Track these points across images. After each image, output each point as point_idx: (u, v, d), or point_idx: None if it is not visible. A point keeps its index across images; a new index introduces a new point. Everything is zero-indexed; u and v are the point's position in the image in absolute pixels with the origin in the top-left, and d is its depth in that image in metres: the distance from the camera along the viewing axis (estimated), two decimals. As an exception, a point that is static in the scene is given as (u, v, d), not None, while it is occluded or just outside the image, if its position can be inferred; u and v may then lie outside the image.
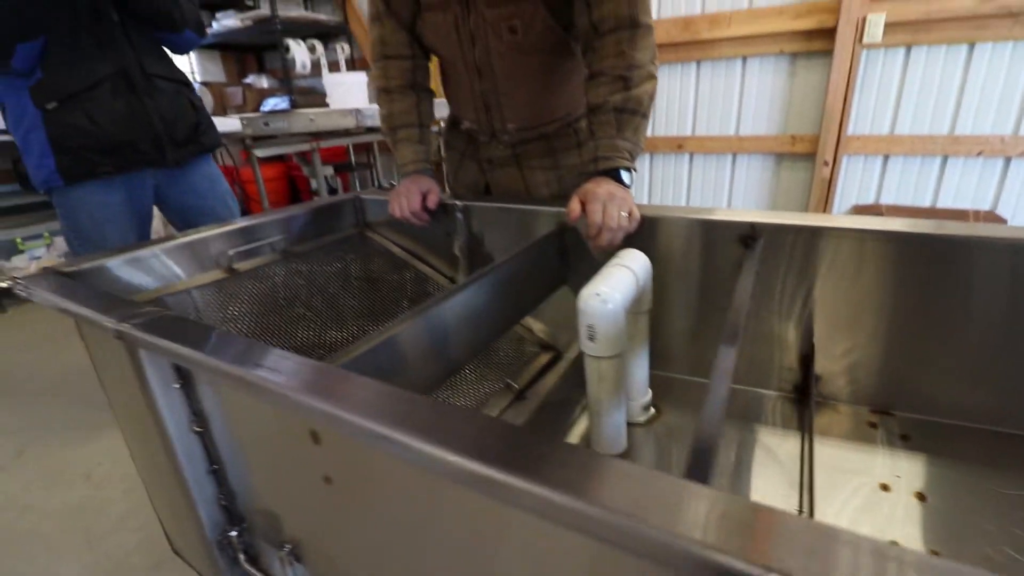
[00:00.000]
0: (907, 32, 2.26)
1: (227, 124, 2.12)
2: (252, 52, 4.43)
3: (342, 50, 3.74)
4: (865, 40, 2.31)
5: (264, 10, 3.37)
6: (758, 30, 2.53)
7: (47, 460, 1.75)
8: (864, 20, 2.29)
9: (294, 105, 3.45)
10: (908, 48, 2.31)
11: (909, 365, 0.78)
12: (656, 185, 3.11)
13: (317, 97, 3.68)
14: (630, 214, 0.84)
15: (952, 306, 0.73)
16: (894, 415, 0.80)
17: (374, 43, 1.12)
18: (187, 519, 0.72)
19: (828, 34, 2.40)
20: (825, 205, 2.63)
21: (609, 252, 0.82)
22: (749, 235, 0.82)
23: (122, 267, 0.84)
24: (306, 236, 1.13)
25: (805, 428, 0.69)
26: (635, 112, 0.89)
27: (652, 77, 0.90)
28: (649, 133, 2.95)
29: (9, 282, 0.70)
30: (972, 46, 2.20)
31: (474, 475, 0.31)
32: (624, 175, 0.89)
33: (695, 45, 2.70)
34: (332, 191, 3.05)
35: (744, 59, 2.65)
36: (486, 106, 1.09)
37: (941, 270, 0.72)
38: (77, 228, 1.51)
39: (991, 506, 0.61)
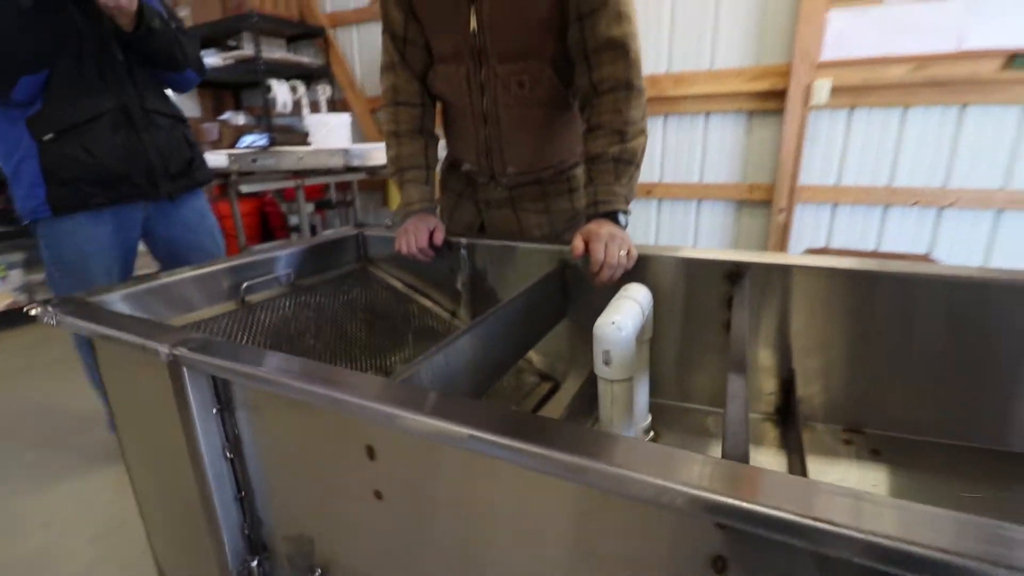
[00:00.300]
0: (850, 96, 2.53)
1: (212, 160, 2.15)
2: (229, 89, 4.47)
3: (323, 91, 3.83)
4: (813, 102, 2.58)
5: (247, 50, 3.45)
6: (718, 90, 2.78)
7: None
8: (811, 85, 2.56)
9: (273, 143, 3.49)
10: (851, 109, 2.58)
11: (875, 387, 0.88)
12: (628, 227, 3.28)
13: (296, 135, 3.73)
14: (628, 252, 0.93)
15: (905, 334, 0.84)
16: (865, 432, 0.89)
17: (387, 90, 1.19)
18: (202, 552, 0.72)
19: (780, 95, 2.66)
20: (782, 248, 2.83)
21: (610, 287, 0.90)
22: (734, 272, 0.92)
23: (139, 297, 0.86)
24: (312, 270, 1.17)
25: (793, 446, 0.77)
26: (630, 163, 1.00)
27: (644, 133, 1.01)
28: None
29: (38, 309, 0.71)
30: (906, 109, 2.48)
31: (564, 464, 0.37)
32: (620, 217, 0.99)
33: (662, 101, 2.93)
34: (312, 228, 3.06)
35: (707, 115, 2.88)
36: (488, 151, 1.18)
37: (893, 302, 0.83)
38: (60, 260, 1.49)
39: (952, 509, 0.70)
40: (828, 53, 2.54)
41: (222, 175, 2.35)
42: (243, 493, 0.69)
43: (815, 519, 0.30)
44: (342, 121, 2.90)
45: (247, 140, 3.63)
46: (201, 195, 1.74)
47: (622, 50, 0.98)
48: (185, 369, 0.60)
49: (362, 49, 3.79)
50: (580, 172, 1.25)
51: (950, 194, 2.49)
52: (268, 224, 3.91)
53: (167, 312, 0.89)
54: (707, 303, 0.96)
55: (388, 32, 1.15)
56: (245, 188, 2.21)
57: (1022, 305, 0.77)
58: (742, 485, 0.33)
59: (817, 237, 2.81)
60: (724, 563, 0.38)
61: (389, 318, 1.17)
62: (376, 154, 2.50)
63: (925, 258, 2.55)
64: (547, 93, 1.09)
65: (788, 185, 2.72)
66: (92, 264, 1.50)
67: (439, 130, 1.30)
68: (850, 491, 0.32)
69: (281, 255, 1.10)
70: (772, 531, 0.32)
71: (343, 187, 3.73)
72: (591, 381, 1.08)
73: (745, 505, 0.32)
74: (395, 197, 3.75)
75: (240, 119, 4.13)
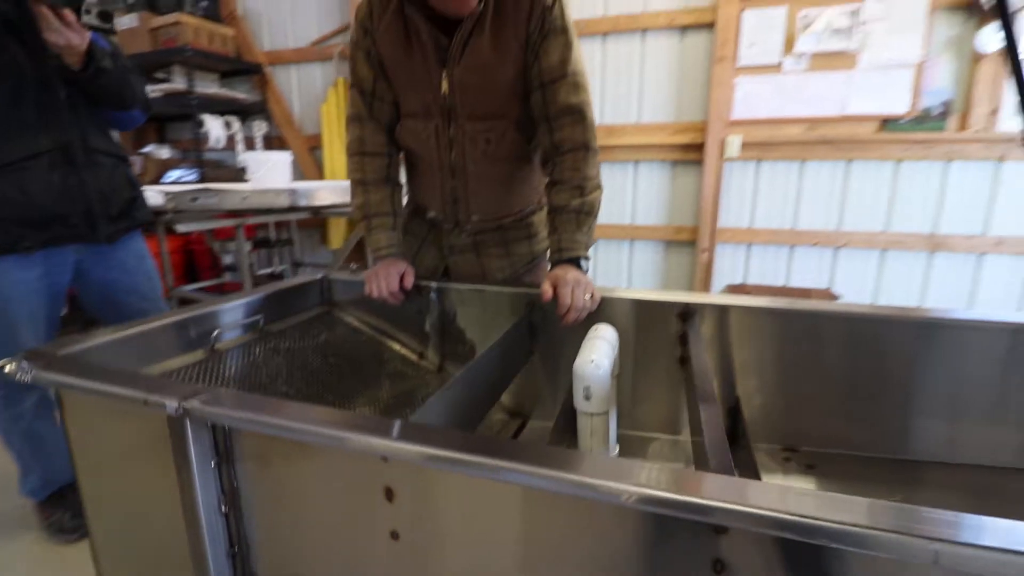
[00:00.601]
0: (757, 150, 2.88)
1: (153, 199, 2.05)
2: (152, 122, 4.26)
3: (259, 128, 3.76)
4: (727, 155, 2.89)
5: (178, 84, 3.33)
6: (646, 141, 3.05)
7: None
8: (725, 140, 2.88)
9: (203, 179, 3.36)
10: (758, 162, 2.92)
11: (805, 409, 1.02)
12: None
13: (228, 171, 3.62)
14: (592, 296, 1.02)
15: (821, 362, 0.99)
16: (800, 450, 1.02)
17: (353, 140, 1.23)
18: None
19: (699, 148, 2.97)
20: (706, 284, 3.10)
21: (578, 326, 0.98)
22: (685, 311, 1.04)
23: (109, 349, 0.83)
24: (279, 315, 1.16)
25: (747, 464, 0.87)
26: (589, 214, 1.11)
27: (599, 187, 1.13)
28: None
29: (12, 365, 0.67)
30: (803, 162, 2.86)
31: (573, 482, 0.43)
32: (582, 263, 1.08)
33: (596, 148, 3.16)
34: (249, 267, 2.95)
35: (636, 163, 3.15)
36: (454, 200, 1.25)
37: (808, 335, 0.98)
38: (-18, 305, 1.37)
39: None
40: (737, 113, 2.88)
41: (154, 212, 2.24)
42: (236, 548, 0.68)
43: (834, 521, 0.38)
44: (283, 159, 2.87)
45: (174, 175, 3.48)
46: (140, 236, 1.67)
47: (579, 115, 1.10)
48: (189, 422, 0.60)
49: (301, 87, 3.78)
50: (538, 218, 1.35)
51: (843, 236, 2.86)
52: (195, 263, 3.70)
53: (138, 363, 0.86)
54: (661, 340, 1.07)
55: (356, 87, 1.20)
56: (182, 228, 2.12)
57: (905, 337, 0.94)
58: (745, 493, 0.41)
59: (736, 274, 3.10)
60: (723, 565, 0.45)
61: (358, 362, 1.18)
62: (321, 194, 2.49)
63: (827, 292, 2.89)
64: (511, 149, 1.18)
65: (709, 227, 3.01)
66: (15, 310, 1.39)
67: (403, 178, 1.36)
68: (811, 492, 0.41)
69: (248, 301, 1.09)
70: (775, 529, 0.39)
71: (280, 225, 3.63)
72: (564, 415, 1.16)
73: (751, 511, 0.40)
74: (335, 236, 3.69)
75: (165, 152, 3.94)
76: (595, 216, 1.13)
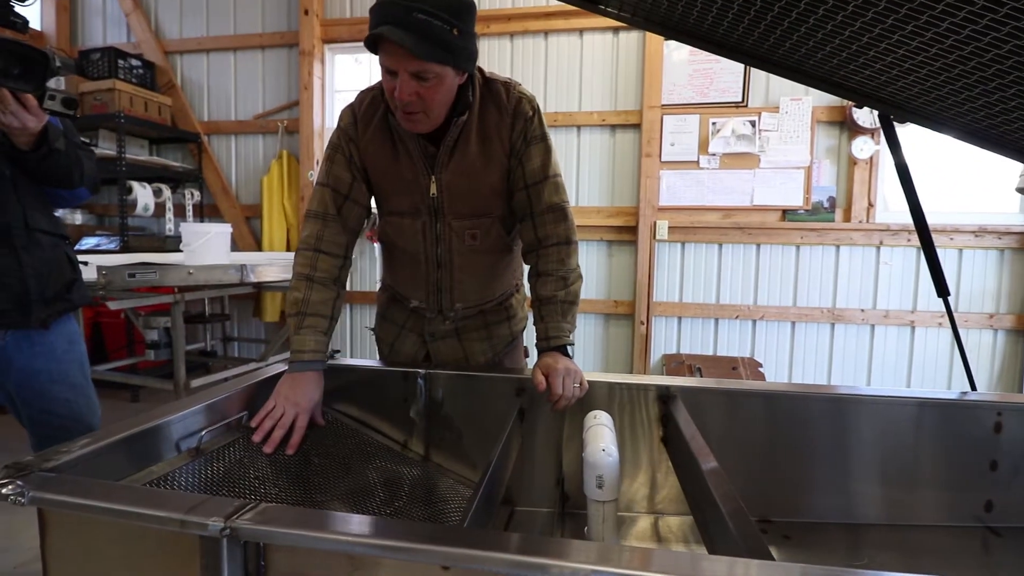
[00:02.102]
0: (682, 234, 3.20)
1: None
2: (63, 185, 3.95)
3: (191, 196, 3.61)
4: (657, 237, 3.19)
5: (106, 149, 3.16)
6: (584, 222, 3.30)
7: None
8: (655, 224, 3.18)
9: (126, 247, 3.13)
10: (683, 244, 3.25)
11: (779, 482, 1.12)
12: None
13: (153, 240, 3.41)
14: (581, 384, 1.09)
15: (792, 439, 1.11)
16: (773, 521, 1.11)
17: (309, 236, 1.16)
18: None
19: (632, 230, 3.25)
20: (645, 354, 3.29)
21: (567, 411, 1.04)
22: (666, 395, 1.13)
23: (92, 459, 0.76)
24: (256, 408, 1.11)
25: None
26: (573, 303, 1.19)
27: (580, 277, 1.23)
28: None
29: (9, 487, 0.59)
30: (721, 245, 3.21)
31: None
32: (568, 349, 1.16)
33: (539, 227, 3.36)
34: (168, 344, 2.72)
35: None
36: (439, 290, 1.28)
37: (759, 414, 1.11)
38: None
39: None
40: (664, 200, 3.22)
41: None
42: None
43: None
44: (222, 231, 2.76)
45: (90, 242, 3.21)
46: (73, 319, 1.53)
47: (562, 213, 1.21)
48: (226, 543, 0.57)
49: (240, 158, 3.72)
50: (515, 300, 1.41)
51: (759, 310, 3.19)
52: (103, 339, 3.34)
53: (124, 471, 0.79)
54: (644, 421, 1.15)
55: (329, 187, 1.18)
56: (115, 305, 1.95)
57: (828, 413, 1.09)
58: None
59: (670, 344, 3.33)
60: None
61: (342, 458, 1.14)
62: (270, 269, 2.42)
63: (751, 360, 3.18)
64: (494, 242, 1.25)
65: (646, 301, 3.24)
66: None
67: (385, 273, 1.39)
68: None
69: (229, 396, 1.04)
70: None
71: (215, 299, 3.43)
72: (560, 502, 1.17)
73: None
74: (270, 308, 3.54)
75: (78, 218, 3.66)
76: (577, 304, 1.21)
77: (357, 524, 0.58)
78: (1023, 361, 3.04)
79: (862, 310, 3.10)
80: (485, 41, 3.35)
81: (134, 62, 3.42)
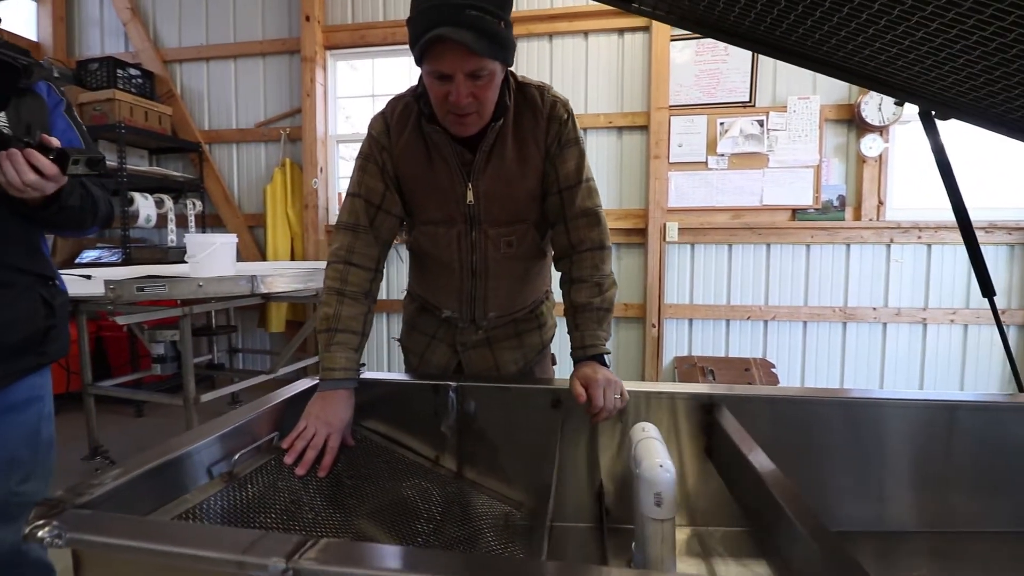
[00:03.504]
0: (691, 235, 3.18)
1: (84, 287, 1.84)
2: (61, 197, 3.89)
3: (193, 206, 3.56)
4: (667, 239, 3.17)
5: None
6: (594, 224, 3.27)
7: None
8: (664, 226, 3.16)
9: (128, 259, 3.08)
10: (693, 245, 3.22)
11: (837, 489, 1.09)
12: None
13: (156, 251, 3.36)
14: (622, 395, 1.05)
15: (837, 444, 1.08)
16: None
17: (341, 248, 1.13)
18: None
19: (641, 232, 3.23)
20: (657, 357, 3.26)
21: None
22: (709, 403, 1.09)
23: (123, 493, 0.72)
24: (290, 427, 1.07)
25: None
26: (608, 310, 1.16)
27: (615, 284, 1.20)
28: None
29: (45, 529, 0.55)
30: (731, 246, 3.18)
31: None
32: (606, 358, 1.12)
33: (547, 231, 3.33)
34: (176, 357, 2.66)
35: (585, 244, 3.34)
36: (472, 299, 1.24)
37: (820, 421, 1.08)
38: None
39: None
40: (673, 202, 3.20)
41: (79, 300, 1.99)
42: None
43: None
44: (228, 241, 2.71)
45: (91, 255, 3.16)
46: (47, 372, 1.24)
47: (595, 217, 1.18)
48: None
49: (242, 166, 3.68)
50: (545, 307, 1.38)
51: (771, 310, 3.17)
52: (106, 353, 3.27)
53: (159, 500, 0.74)
54: (690, 430, 1.11)
55: (361, 198, 1.14)
56: (124, 320, 1.90)
57: (870, 418, 1.06)
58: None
59: (682, 347, 3.30)
60: None
61: (374, 477, 1.09)
62: (280, 280, 2.37)
63: (764, 361, 3.15)
64: (528, 248, 1.22)
65: (656, 304, 3.21)
66: None
67: (415, 284, 1.35)
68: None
69: (258, 416, 1.00)
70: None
71: (222, 310, 3.37)
72: (600, 517, 1.13)
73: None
74: (275, 318, 3.49)
75: (77, 231, 3.59)
76: (612, 311, 1.18)
77: (427, 560, 0.54)
78: (1035, 355, 3.03)
79: (874, 308, 3.09)
80: (489, 45, 3.33)
81: (133, 71, 3.37)
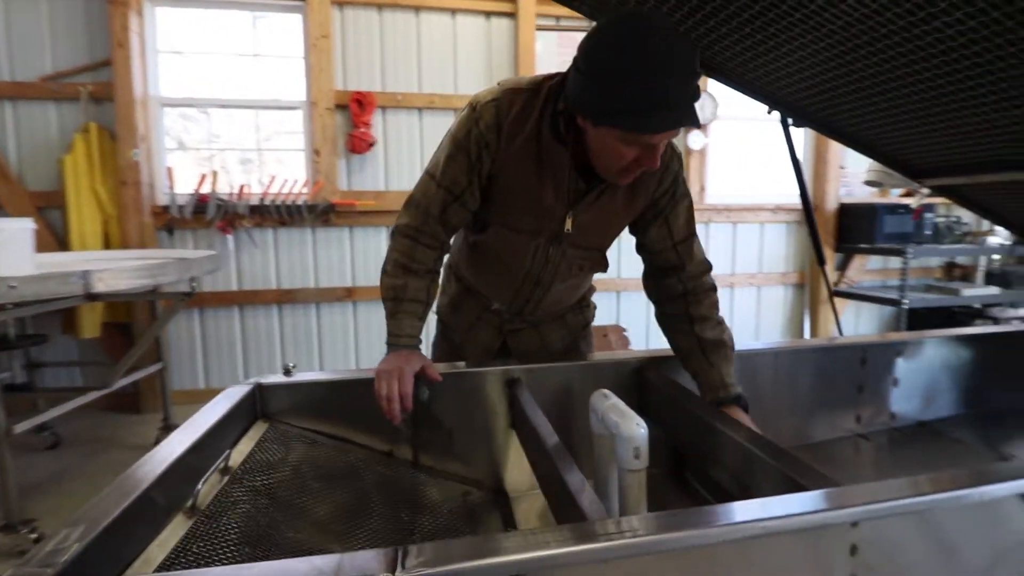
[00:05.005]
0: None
1: None
2: None
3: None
4: (537, 219, 3.37)
5: None
6: (467, 206, 3.32)
7: None
8: (535, 206, 3.35)
9: None
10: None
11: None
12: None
13: None
14: None
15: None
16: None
17: (408, 226, 1.09)
18: None
19: (513, 212, 3.38)
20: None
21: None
22: (638, 367, 1.25)
23: (101, 545, 0.58)
24: (231, 444, 0.95)
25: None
26: (733, 348, 1.15)
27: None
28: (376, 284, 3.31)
29: None
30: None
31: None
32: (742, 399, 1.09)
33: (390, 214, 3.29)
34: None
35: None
36: (527, 300, 1.23)
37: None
38: None
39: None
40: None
41: None
42: None
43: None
44: (22, 227, 2.13)
45: None
46: None
47: (708, 265, 1.17)
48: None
49: (22, 130, 2.87)
50: (589, 293, 1.40)
51: (623, 283, 3.59)
52: None
53: (132, 550, 0.61)
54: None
55: (442, 187, 1.06)
56: None
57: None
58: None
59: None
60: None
61: (339, 479, 1.03)
62: (119, 278, 1.94)
63: (616, 327, 3.58)
64: (595, 266, 1.23)
65: (529, 281, 3.41)
66: None
67: (463, 268, 1.30)
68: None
69: (208, 435, 0.86)
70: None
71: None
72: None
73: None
74: (87, 322, 2.85)
75: None
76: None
77: (519, 540, 0.56)
78: (802, 307, 3.98)
79: (752, 275, 3.72)
80: (350, 11, 3.09)
81: None
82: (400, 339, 1.07)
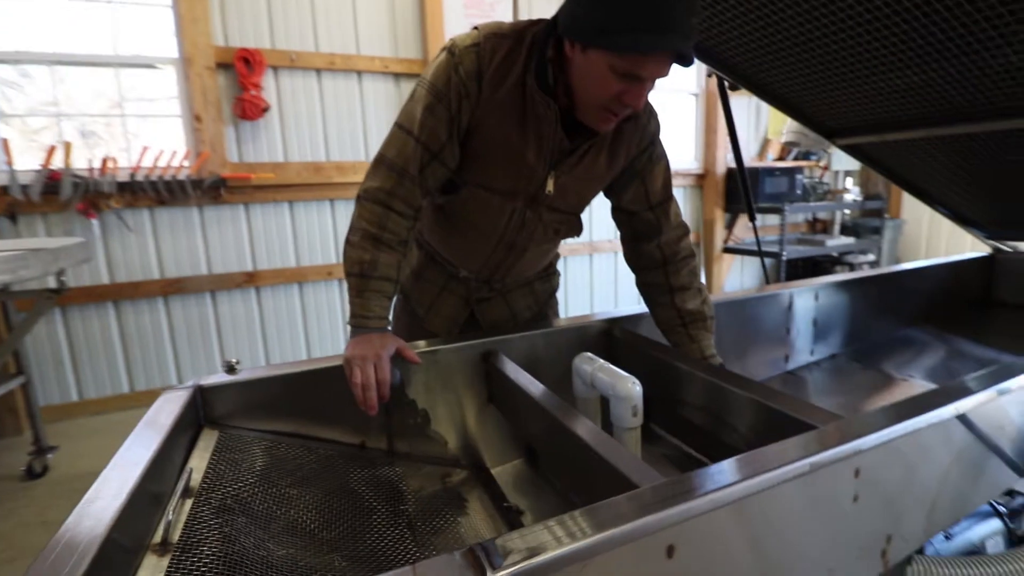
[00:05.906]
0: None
1: None
2: None
3: None
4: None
5: None
6: (380, 177, 3.12)
7: None
8: (452, 176, 3.24)
9: None
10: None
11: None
12: (310, 308, 3.17)
13: None
14: None
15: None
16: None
17: (379, 189, 0.97)
18: None
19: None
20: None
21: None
22: (606, 330, 1.26)
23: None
24: (176, 464, 0.80)
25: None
26: (713, 317, 1.15)
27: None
28: (302, 263, 3.04)
29: None
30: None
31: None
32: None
33: (328, 187, 3.02)
34: None
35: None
36: (497, 267, 1.17)
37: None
38: None
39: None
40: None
41: None
42: None
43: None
44: None
45: None
46: None
47: (686, 229, 1.17)
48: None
49: None
50: (554, 261, 1.36)
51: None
52: None
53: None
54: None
55: (419, 143, 0.95)
56: None
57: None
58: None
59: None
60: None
61: (313, 482, 0.92)
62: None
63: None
64: (569, 231, 1.17)
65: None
66: None
67: (427, 233, 1.22)
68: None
69: (159, 456, 0.71)
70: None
71: None
72: (527, 451, 1.19)
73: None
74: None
75: None
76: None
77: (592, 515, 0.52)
78: (703, 266, 4.33)
79: (610, 240, 3.87)
80: (227, -46, 2.68)
81: None
82: (369, 320, 0.98)
